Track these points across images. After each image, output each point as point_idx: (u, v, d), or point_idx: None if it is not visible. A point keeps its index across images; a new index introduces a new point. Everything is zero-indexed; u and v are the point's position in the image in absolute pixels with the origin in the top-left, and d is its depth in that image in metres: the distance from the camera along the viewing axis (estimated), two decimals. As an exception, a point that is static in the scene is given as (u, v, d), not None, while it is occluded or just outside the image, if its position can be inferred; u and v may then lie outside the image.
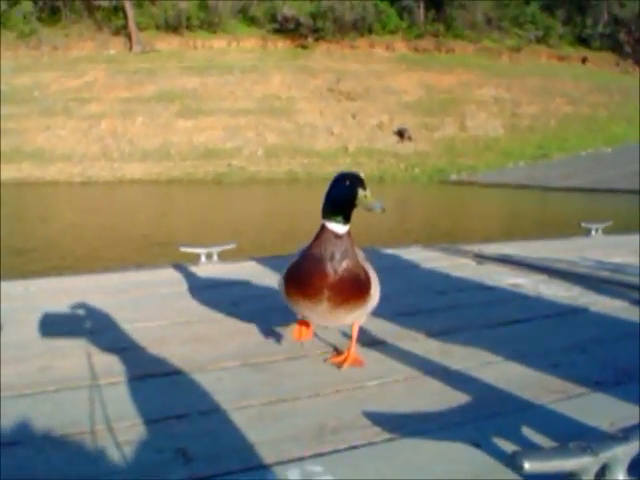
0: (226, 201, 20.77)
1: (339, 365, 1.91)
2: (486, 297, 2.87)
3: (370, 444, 1.39)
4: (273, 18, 46.94)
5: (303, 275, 1.73)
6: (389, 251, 4.31)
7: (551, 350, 2.07)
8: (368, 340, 2.15)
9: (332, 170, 31.70)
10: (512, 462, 1.07)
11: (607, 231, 5.42)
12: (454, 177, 30.70)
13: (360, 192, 1.69)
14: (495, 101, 39.21)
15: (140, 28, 45.75)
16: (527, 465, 1.05)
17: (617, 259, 4.05)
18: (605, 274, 3.40)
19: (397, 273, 3.48)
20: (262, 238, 10.25)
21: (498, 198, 22.72)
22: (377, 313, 2.07)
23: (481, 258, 3.95)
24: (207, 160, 32.55)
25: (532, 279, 3.30)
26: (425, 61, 42.70)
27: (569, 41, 50.40)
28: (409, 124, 35.49)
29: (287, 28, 46.17)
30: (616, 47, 49.61)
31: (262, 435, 1.43)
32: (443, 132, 35.92)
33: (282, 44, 46.07)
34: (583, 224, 5.41)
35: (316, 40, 45.64)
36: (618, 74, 47.32)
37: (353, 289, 1.73)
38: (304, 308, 1.78)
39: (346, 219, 1.73)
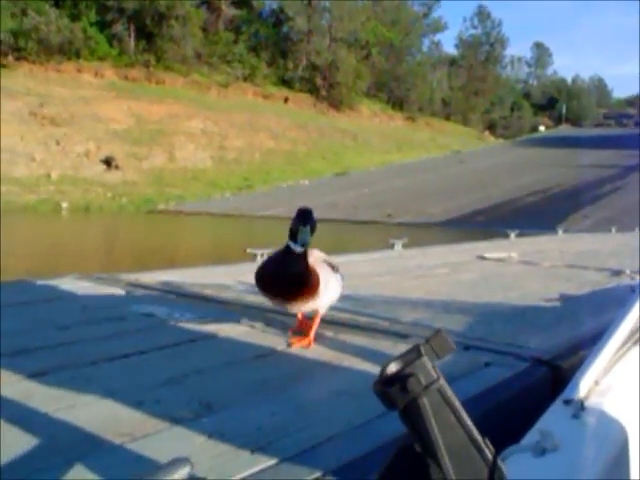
0: None
1: (291, 344, 2.29)
2: (116, 329, 2.65)
3: None
4: (-33, 31, 43.06)
5: (258, 278, 2.25)
6: (41, 282, 3.80)
7: (144, 385, 1.89)
8: None
9: (33, 198, 30.11)
10: None
11: None
12: (162, 207, 31.24)
13: (301, 227, 2.09)
14: (203, 133, 40.75)
15: None
16: None
17: None
18: (251, 299, 3.27)
19: (30, 307, 3.08)
20: None
21: (198, 226, 23.75)
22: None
23: (134, 287, 3.74)
24: None
25: (172, 307, 3.08)
26: (135, 90, 42.68)
27: (273, 81, 54.55)
28: (117, 153, 35.16)
29: (-17, 44, 42.70)
30: (313, 90, 55.01)
31: None
32: (152, 162, 36.26)
33: (-23, 60, 42.46)
34: (248, 250, 5.15)
35: (17, 60, 42.88)
36: (315, 114, 52.39)
37: (295, 290, 2.20)
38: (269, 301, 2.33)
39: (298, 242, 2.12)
